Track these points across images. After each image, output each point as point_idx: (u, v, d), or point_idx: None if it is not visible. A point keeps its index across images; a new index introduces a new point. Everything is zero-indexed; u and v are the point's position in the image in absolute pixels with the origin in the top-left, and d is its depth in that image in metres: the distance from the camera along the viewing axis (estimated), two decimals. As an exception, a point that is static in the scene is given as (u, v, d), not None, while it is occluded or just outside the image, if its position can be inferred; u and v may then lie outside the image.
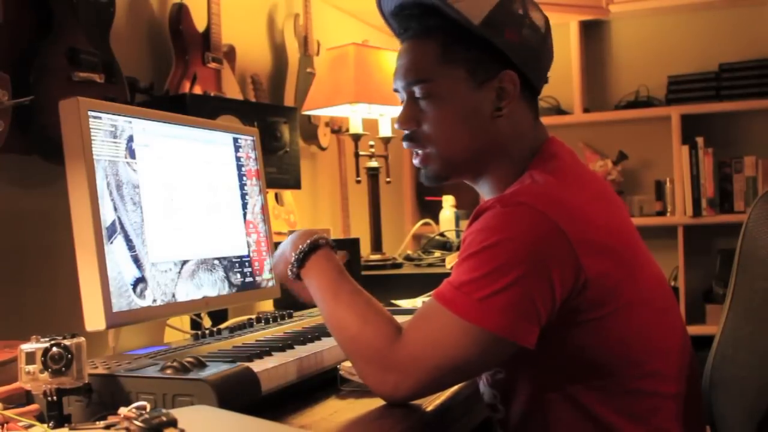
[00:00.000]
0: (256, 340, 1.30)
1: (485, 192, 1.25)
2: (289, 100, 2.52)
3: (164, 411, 0.79)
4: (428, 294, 1.76)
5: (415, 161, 1.25)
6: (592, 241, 1.07)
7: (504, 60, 1.17)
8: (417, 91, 1.20)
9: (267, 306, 2.05)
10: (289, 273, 1.22)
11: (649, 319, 1.13)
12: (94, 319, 1.14)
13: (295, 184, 2.10)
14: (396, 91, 1.26)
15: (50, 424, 0.94)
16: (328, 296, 1.15)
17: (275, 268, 1.31)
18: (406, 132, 1.23)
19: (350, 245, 1.97)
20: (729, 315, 1.24)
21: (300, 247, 1.20)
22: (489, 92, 1.18)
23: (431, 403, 1.12)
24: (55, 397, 0.94)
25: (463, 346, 1.03)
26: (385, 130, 2.37)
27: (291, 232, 2.02)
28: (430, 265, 2.23)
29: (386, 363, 1.06)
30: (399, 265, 2.25)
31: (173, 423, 0.78)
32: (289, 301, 1.52)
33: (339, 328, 1.13)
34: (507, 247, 1.04)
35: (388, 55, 2.27)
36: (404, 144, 1.25)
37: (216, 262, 1.42)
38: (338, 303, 1.14)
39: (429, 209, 3.22)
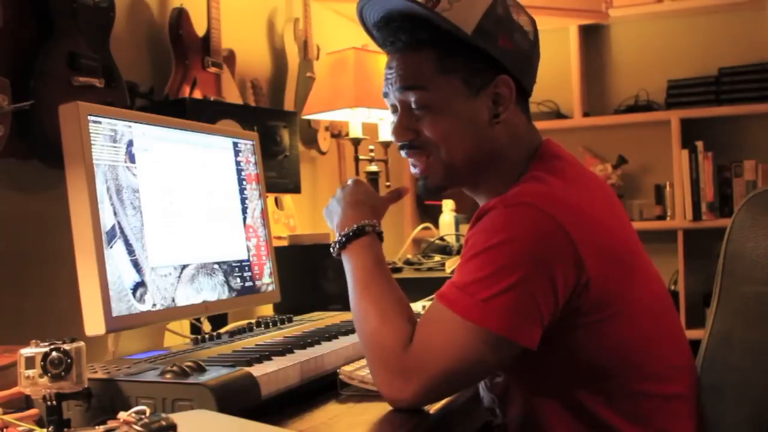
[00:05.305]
0: (256, 345, 1.30)
1: (483, 198, 1.23)
2: (288, 105, 2.52)
3: (164, 415, 0.79)
4: (429, 298, 1.75)
5: (415, 171, 1.22)
6: (594, 241, 1.07)
7: (498, 66, 1.15)
8: (413, 100, 1.16)
9: (267, 310, 2.05)
10: (332, 250, 1.22)
11: (649, 321, 1.14)
12: (93, 324, 1.14)
13: (295, 189, 2.10)
14: (386, 96, 1.22)
15: (50, 429, 0.94)
16: (359, 286, 1.16)
17: (325, 217, 1.32)
18: (405, 142, 1.19)
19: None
20: (716, 318, 1.25)
21: (346, 229, 1.21)
22: (486, 99, 1.16)
23: (433, 406, 1.11)
24: (54, 402, 0.94)
25: (467, 348, 1.03)
26: (385, 135, 2.37)
27: (291, 236, 2.04)
28: (430, 269, 2.23)
29: (394, 366, 1.06)
30: (399, 270, 2.25)
31: (173, 427, 0.78)
32: (289, 306, 1.52)
33: (359, 321, 1.14)
34: (510, 248, 1.03)
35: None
36: (403, 153, 1.21)
37: (216, 266, 1.41)
38: (365, 295, 1.14)
39: (429, 213, 3.22)
